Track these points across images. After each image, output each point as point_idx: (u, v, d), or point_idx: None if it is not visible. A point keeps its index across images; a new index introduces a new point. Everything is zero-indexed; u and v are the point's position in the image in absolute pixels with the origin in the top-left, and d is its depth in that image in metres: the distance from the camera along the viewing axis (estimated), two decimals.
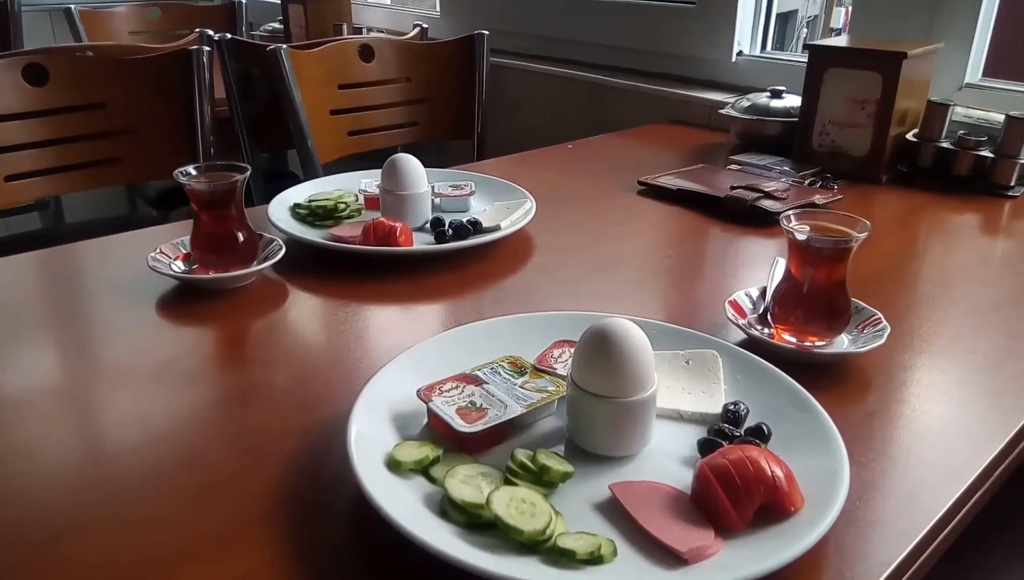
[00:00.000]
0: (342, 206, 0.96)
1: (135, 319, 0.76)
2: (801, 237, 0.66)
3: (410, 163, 0.95)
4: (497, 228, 0.93)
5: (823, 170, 1.18)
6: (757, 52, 1.60)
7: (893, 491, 0.54)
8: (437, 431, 0.55)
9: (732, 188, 1.06)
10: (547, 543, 0.44)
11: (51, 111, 1.34)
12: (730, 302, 0.72)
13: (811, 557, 0.45)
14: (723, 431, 0.55)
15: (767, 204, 1.01)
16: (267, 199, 0.99)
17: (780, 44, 1.65)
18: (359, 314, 0.79)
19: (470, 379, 0.59)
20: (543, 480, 0.49)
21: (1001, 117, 1.12)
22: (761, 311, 0.73)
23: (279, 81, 1.48)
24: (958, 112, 1.18)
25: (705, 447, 0.53)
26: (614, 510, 0.49)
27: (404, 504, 0.47)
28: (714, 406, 0.58)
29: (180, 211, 1.99)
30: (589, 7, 1.80)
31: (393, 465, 0.50)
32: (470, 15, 2.09)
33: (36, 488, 0.53)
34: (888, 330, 0.68)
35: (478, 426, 0.53)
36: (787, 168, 1.18)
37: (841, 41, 1.26)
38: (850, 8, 1.43)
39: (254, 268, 0.81)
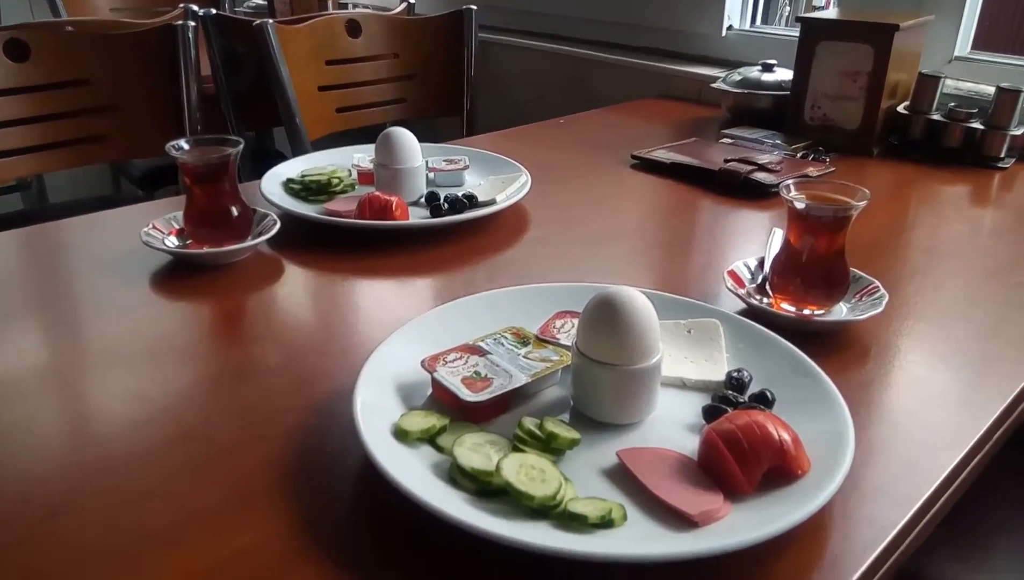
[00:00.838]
0: (336, 181, 0.95)
1: (128, 296, 0.75)
2: (801, 206, 0.66)
3: (405, 137, 0.94)
4: (493, 202, 0.92)
5: (815, 143, 1.18)
6: (747, 26, 1.60)
7: (895, 455, 0.54)
8: (442, 401, 0.55)
9: (726, 161, 1.06)
10: (558, 508, 0.44)
11: (33, 88, 1.31)
12: (729, 272, 0.72)
13: (817, 520, 0.46)
14: (727, 398, 0.55)
15: (761, 177, 1.01)
16: (254, 177, 0.98)
17: (764, 20, 1.64)
18: (355, 289, 0.78)
19: (474, 350, 0.59)
20: (551, 447, 0.49)
21: (991, 89, 1.13)
22: (760, 281, 0.73)
23: (266, 57, 1.46)
24: (948, 85, 1.18)
25: (710, 413, 0.54)
26: (622, 476, 0.49)
27: (413, 473, 0.47)
28: (717, 373, 0.59)
29: (166, 190, 1.96)
30: None
31: (400, 434, 0.50)
32: None
33: (32, 467, 0.52)
34: (886, 298, 0.68)
35: (484, 395, 0.53)
36: (779, 141, 1.18)
37: (832, 14, 1.26)
38: None
39: (249, 243, 0.80)
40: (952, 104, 1.15)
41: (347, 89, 1.62)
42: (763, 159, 1.05)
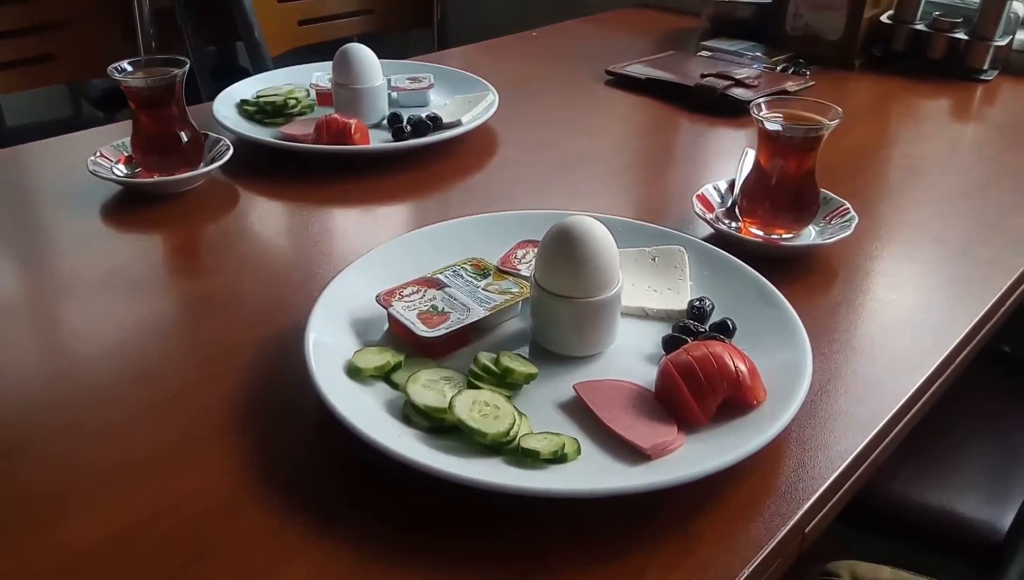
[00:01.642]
0: (292, 102, 0.90)
1: (77, 228, 0.72)
2: (771, 126, 0.64)
3: (363, 54, 0.89)
4: (458, 123, 0.89)
5: (796, 55, 1.14)
6: None
7: (856, 381, 0.54)
8: (399, 337, 0.54)
9: (702, 76, 1.02)
10: (511, 444, 0.44)
11: None
12: (697, 196, 0.71)
13: (772, 449, 0.46)
14: (688, 327, 0.54)
15: (738, 92, 0.98)
16: (216, 97, 0.93)
17: None
18: (315, 217, 0.76)
19: (431, 283, 0.57)
20: (506, 382, 0.48)
21: None
22: (729, 204, 0.71)
23: None
24: None
25: (670, 344, 0.53)
26: (579, 409, 0.48)
27: (366, 411, 0.46)
28: (679, 303, 0.58)
29: (127, 111, 1.89)
30: None
31: (353, 372, 0.49)
32: None
33: None
34: (856, 220, 0.67)
35: (440, 330, 0.52)
36: (759, 54, 1.14)
37: None
38: None
39: (201, 170, 0.77)
40: (937, 13, 1.11)
41: (308, 0, 1.54)
42: (740, 74, 1.01)
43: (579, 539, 0.42)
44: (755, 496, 0.45)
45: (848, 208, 0.69)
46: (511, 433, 0.44)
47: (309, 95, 0.95)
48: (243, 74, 1.49)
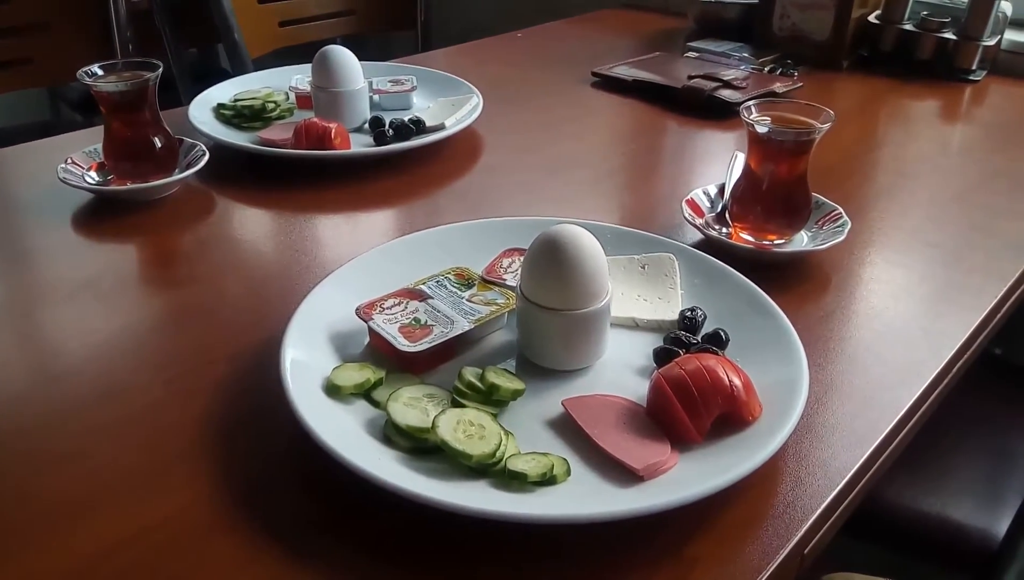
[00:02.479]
0: (271, 106, 0.88)
1: (48, 237, 0.70)
2: (761, 130, 0.62)
3: (344, 56, 0.87)
4: (442, 127, 0.86)
5: (783, 56, 1.12)
6: None
7: (853, 393, 0.52)
8: (380, 351, 0.52)
9: (690, 77, 1.01)
10: (497, 466, 0.42)
11: None
12: (687, 201, 0.69)
13: (769, 466, 0.44)
14: (680, 339, 0.52)
15: (726, 94, 0.96)
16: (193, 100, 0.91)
17: None
18: (294, 224, 0.73)
19: (414, 294, 0.55)
20: (493, 399, 0.46)
21: None
22: (719, 209, 0.70)
23: None
24: None
25: (661, 356, 0.51)
26: (568, 426, 0.46)
27: (345, 431, 0.44)
28: (671, 313, 0.56)
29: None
30: None
31: (332, 390, 0.47)
32: None
33: None
34: (848, 225, 0.65)
35: (422, 345, 0.50)
36: (746, 55, 1.13)
37: None
38: None
39: (175, 177, 0.74)
40: (925, 13, 1.10)
41: (289, 0, 1.51)
42: (728, 75, 1.00)
43: (570, 565, 0.40)
44: (752, 517, 0.43)
45: (841, 213, 0.67)
46: (497, 454, 0.42)
47: (288, 98, 0.93)
48: (224, 76, 1.46)
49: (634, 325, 0.56)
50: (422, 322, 0.52)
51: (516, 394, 0.47)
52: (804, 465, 0.46)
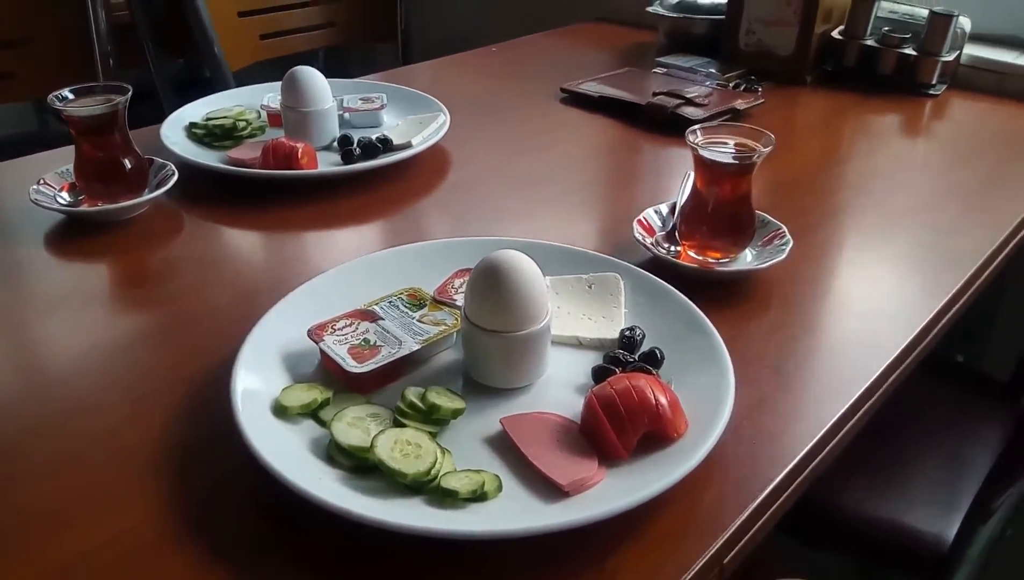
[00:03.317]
0: (242, 124, 0.90)
1: (21, 257, 0.72)
2: (704, 153, 0.65)
3: (312, 76, 0.89)
4: (408, 145, 0.89)
5: (749, 71, 1.15)
6: None
7: (782, 408, 0.55)
8: (330, 372, 0.54)
9: (654, 94, 1.03)
10: (432, 484, 0.44)
11: None
12: (638, 221, 0.71)
13: (695, 479, 0.46)
14: (617, 358, 0.55)
15: (688, 111, 0.99)
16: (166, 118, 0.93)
17: None
18: (261, 244, 0.76)
19: (365, 315, 0.57)
20: (433, 419, 0.49)
21: (926, 12, 1.10)
22: (670, 228, 0.72)
23: None
24: (884, 7, 1.15)
25: (599, 374, 0.53)
26: (506, 444, 0.49)
27: (289, 451, 0.46)
28: (613, 331, 0.58)
29: None
30: None
31: (279, 410, 0.49)
32: None
33: None
34: (791, 244, 0.68)
35: (369, 365, 0.52)
36: (713, 70, 1.15)
37: None
38: None
39: (143, 198, 0.76)
40: (886, 28, 1.13)
41: (270, 13, 1.53)
42: (691, 92, 1.02)
43: (499, 578, 0.42)
44: (675, 528, 0.45)
45: (784, 231, 0.70)
46: (432, 472, 0.44)
47: (260, 117, 0.95)
48: (206, 87, 1.47)
49: (578, 343, 0.58)
50: (371, 343, 0.54)
51: (456, 413, 0.49)
52: (728, 479, 0.49)
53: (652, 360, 0.54)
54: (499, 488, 0.45)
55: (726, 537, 0.45)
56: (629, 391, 0.47)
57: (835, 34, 1.15)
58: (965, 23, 1.11)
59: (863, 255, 0.75)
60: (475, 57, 1.32)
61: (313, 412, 0.50)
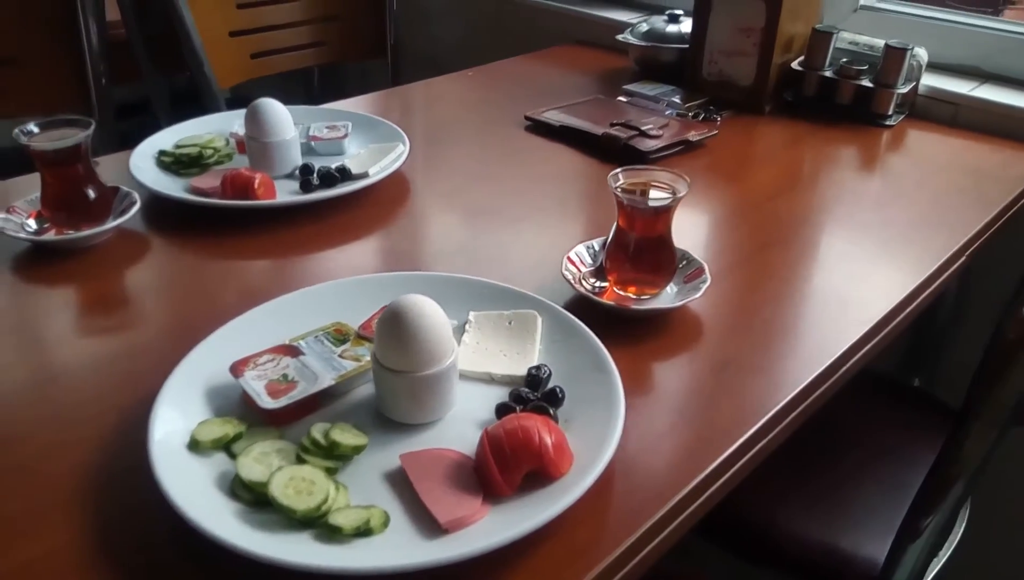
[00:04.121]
0: (208, 152, 0.94)
1: None
2: (621, 197, 0.68)
3: (273, 108, 0.93)
4: (365, 175, 0.92)
5: (711, 101, 1.18)
6: None
7: (677, 446, 0.58)
8: (248, 406, 0.58)
9: (611, 125, 1.06)
10: (321, 519, 0.48)
11: None
12: (567, 257, 0.74)
13: (572, 516, 0.49)
14: (520, 395, 0.58)
15: (640, 143, 1.02)
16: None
17: None
18: (218, 272, 0.79)
19: (288, 350, 0.61)
20: (334, 455, 0.52)
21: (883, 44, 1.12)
22: (598, 264, 0.75)
23: (169, 2, 1.42)
24: (844, 39, 1.17)
25: (502, 411, 0.57)
26: (404, 479, 0.52)
27: (194, 485, 0.50)
28: (523, 369, 0.61)
29: None
30: None
31: (192, 444, 0.53)
32: None
33: None
34: (708, 283, 0.71)
35: (282, 401, 0.56)
36: (677, 99, 1.18)
37: None
38: None
39: (104, 227, 0.80)
40: (844, 60, 1.15)
41: (262, 33, 1.58)
42: (647, 123, 1.05)
43: None
44: (549, 565, 0.48)
45: (704, 269, 0.72)
46: (322, 508, 0.48)
47: (229, 144, 0.99)
48: (202, 100, 1.51)
49: (490, 379, 0.62)
50: (289, 378, 0.58)
51: (357, 450, 0.53)
52: (607, 518, 0.52)
53: (552, 398, 0.57)
54: (386, 523, 0.48)
55: (599, 570, 0.48)
56: (516, 431, 0.51)
57: (795, 65, 1.17)
58: (922, 54, 1.13)
59: (787, 288, 0.77)
60: (449, 81, 1.35)
61: (226, 446, 0.53)
